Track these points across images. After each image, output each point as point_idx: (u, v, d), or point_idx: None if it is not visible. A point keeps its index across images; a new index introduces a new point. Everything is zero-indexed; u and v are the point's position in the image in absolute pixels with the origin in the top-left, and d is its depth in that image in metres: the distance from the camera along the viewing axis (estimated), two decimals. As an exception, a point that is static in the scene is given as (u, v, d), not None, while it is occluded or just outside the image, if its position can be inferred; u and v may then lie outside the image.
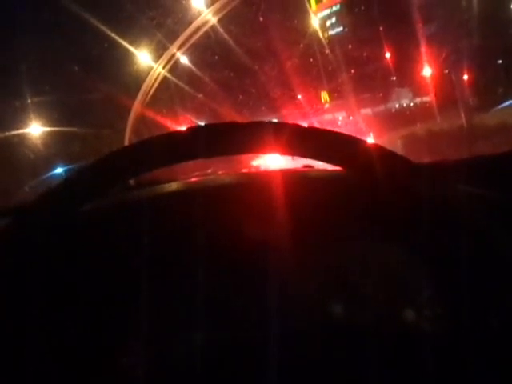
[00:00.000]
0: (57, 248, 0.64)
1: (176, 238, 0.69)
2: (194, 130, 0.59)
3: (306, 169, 0.86)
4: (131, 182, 0.92)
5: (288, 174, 0.84)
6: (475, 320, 0.57)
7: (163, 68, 3.47)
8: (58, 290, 0.68)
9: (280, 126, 0.58)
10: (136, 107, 2.89)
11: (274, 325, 0.66)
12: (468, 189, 0.76)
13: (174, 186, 0.85)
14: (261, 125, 0.57)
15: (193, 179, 0.93)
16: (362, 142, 0.58)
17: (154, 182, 0.89)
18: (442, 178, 0.61)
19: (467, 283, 0.56)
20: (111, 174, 0.60)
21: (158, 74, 3.42)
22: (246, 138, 0.58)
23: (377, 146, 0.58)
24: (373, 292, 0.67)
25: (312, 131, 0.60)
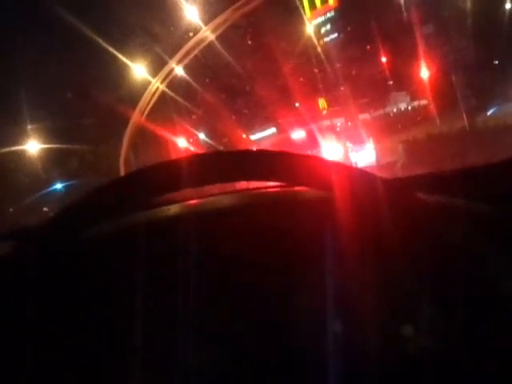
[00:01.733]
0: (56, 273, 0.64)
1: (175, 262, 0.68)
2: (188, 160, 0.60)
3: (283, 189, 0.84)
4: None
5: (275, 195, 0.84)
6: (473, 335, 0.57)
7: (161, 83, 3.44)
8: (58, 315, 0.68)
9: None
10: (134, 122, 2.85)
11: (269, 348, 0.67)
12: (447, 201, 0.76)
13: (172, 209, 0.84)
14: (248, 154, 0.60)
15: (193, 201, 0.91)
16: (328, 163, 0.60)
17: (153, 205, 0.85)
18: (413, 191, 0.63)
19: (459, 298, 0.57)
20: (115, 200, 0.60)
21: (157, 89, 3.39)
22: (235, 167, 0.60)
23: (344, 166, 0.59)
24: (370, 310, 0.66)
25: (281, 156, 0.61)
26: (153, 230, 0.77)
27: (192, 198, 0.90)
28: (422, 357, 0.63)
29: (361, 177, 0.59)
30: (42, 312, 0.62)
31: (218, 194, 0.91)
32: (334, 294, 0.67)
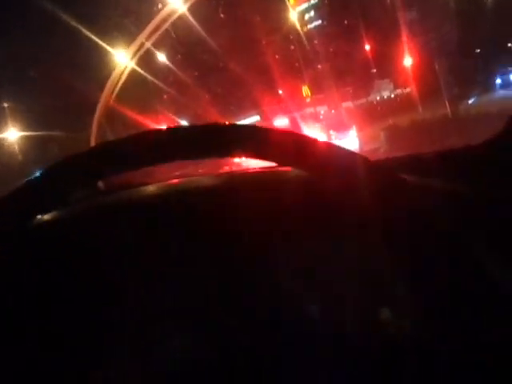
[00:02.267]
0: (11, 256, 0.61)
1: (149, 245, 0.67)
2: (162, 133, 0.57)
3: (270, 169, 0.82)
4: (102, 186, 0.87)
5: (257, 175, 0.84)
6: (450, 321, 0.57)
7: (131, 59, 3.30)
8: (19, 301, 0.65)
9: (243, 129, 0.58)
10: (102, 102, 2.74)
11: (250, 333, 0.67)
12: (430, 183, 0.77)
13: (150, 188, 0.83)
14: (232, 128, 0.58)
15: (167, 182, 0.89)
16: (314, 142, 0.58)
17: (126, 186, 0.84)
18: (398, 173, 0.62)
19: (439, 281, 0.56)
20: (69, 179, 0.57)
21: (125, 68, 3.25)
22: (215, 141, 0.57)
23: (331, 145, 0.58)
24: (346, 291, 0.66)
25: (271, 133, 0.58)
26: (126, 209, 0.75)
27: (172, 179, 0.88)
28: (402, 341, 0.63)
29: (344, 155, 0.57)
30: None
31: (200, 175, 0.90)
32: (316, 278, 0.66)
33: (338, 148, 0.57)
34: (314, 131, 8.07)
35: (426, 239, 0.56)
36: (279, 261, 0.68)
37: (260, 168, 0.85)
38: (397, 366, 0.61)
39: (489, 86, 8.85)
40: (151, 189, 0.82)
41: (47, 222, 0.68)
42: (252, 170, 0.86)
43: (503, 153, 0.84)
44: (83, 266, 0.68)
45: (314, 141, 0.57)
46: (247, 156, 0.59)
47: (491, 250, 0.60)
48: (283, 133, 0.57)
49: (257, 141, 0.57)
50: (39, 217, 0.66)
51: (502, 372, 0.53)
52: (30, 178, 0.56)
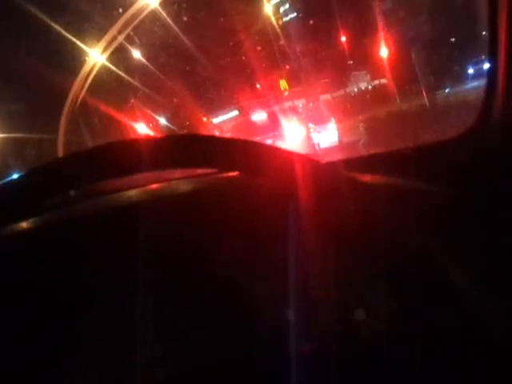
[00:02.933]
0: None
1: (131, 248, 0.66)
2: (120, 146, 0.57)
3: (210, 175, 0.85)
4: (73, 193, 0.85)
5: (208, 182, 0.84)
6: (423, 318, 0.59)
7: (102, 54, 3.23)
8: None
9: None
10: (70, 101, 2.68)
11: (227, 334, 0.68)
12: (386, 180, 0.79)
13: (130, 194, 0.84)
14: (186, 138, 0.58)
15: (152, 186, 0.89)
16: (261, 147, 0.59)
17: (97, 193, 0.84)
18: (343, 172, 0.64)
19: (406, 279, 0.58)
20: (40, 188, 0.57)
21: (96, 62, 3.18)
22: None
23: (278, 150, 0.58)
24: (324, 293, 0.68)
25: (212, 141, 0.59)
26: (109, 215, 0.75)
27: (149, 183, 0.88)
28: (375, 339, 0.65)
29: (290, 159, 0.57)
30: None
31: (175, 179, 0.89)
32: (289, 281, 0.67)
33: (282, 151, 0.58)
34: (292, 124, 8.05)
35: (376, 238, 0.57)
36: (256, 266, 0.70)
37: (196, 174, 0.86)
38: (372, 363, 0.63)
39: (464, 76, 8.93)
40: (124, 196, 0.81)
41: (17, 230, 0.68)
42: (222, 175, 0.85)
43: (472, 149, 0.88)
44: (51, 278, 0.67)
45: (259, 145, 0.58)
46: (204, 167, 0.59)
47: (446, 249, 0.60)
48: (228, 140, 0.58)
49: (219, 152, 0.57)
50: (9, 225, 0.65)
51: (474, 369, 0.55)
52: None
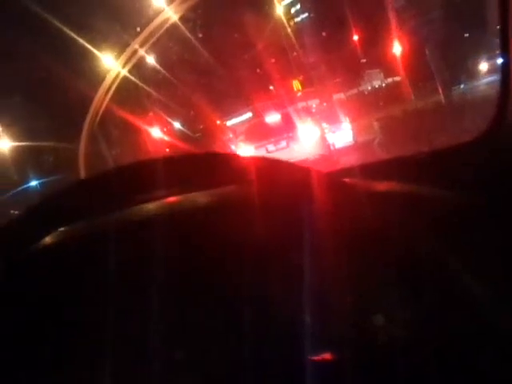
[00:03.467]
0: (17, 276, 0.64)
1: (150, 262, 0.68)
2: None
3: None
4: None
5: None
6: (440, 324, 0.59)
7: (123, 67, 3.28)
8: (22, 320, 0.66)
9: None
10: (93, 111, 2.72)
11: (243, 341, 0.69)
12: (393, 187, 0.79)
13: (148, 207, 0.83)
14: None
15: (169, 199, 0.88)
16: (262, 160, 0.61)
17: (120, 206, 0.82)
18: (343, 180, 0.66)
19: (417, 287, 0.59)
20: (77, 204, 0.61)
21: (118, 74, 3.23)
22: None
23: (291, 165, 0.61)
24: (339, 299, 0.68)
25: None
26: (126, 229, 0.76)
27: (167, 196, 0.87)
28: (392, 345, 0.64)
29: (302, 173, 0.59)
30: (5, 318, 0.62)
31: (191, 192, 0.88)
32: (304, 289, 0.67)
33: (284, 163, 0.61)
34: (306, 125, 8.01)
35: (391, 244, 0.58)
36: (272, 273, 0.70)
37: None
38: (388, 369, 0.62)
39: (480, 71, 8.82)
40: (143, 210, 0.82)
41: (39, 245, 0.68)
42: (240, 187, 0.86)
43: (487, 153, 0.86)
44: (70, 289, 0.68)
45: (272, 161, 0.61)
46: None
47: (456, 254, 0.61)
48: (242, 158, 0.61)
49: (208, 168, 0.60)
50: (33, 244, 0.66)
51: (489, 375, 0.55)
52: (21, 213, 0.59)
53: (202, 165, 0.61)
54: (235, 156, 0.62)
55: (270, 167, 0.62)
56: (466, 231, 0.68)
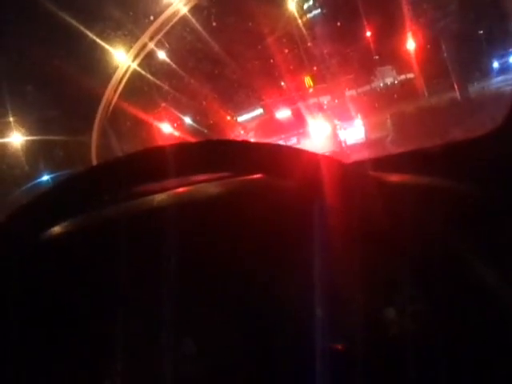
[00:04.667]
0: (24, 268, 0.62)
1: (160, 253, 0.68)
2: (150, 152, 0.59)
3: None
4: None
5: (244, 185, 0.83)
6: (453, 319, 0.59)
7: (133, 60, 3.27)
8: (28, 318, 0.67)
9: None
10: (105, 104, 2.71)
11: (256, 335, 0.70)
12: (416, 180, 0.78)
13: (158, 198, 0.84)
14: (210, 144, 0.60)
15: (179, 190, 0.89)
16: (284, 149, 0.60)
17: (123, 198, 0.84)
18: (369, 172, 0.65)
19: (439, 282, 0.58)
20: (86, 192, 0.60)
21: (128, 68, 3.22)
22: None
23: (301, 151, 0.60)
24: (351, 292, 0.68)
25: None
26: (136, 220, 0.77)
27: (177, 187, 0.89)
28: (403, 338, 0.65)
29: (314, 160, 0.58)
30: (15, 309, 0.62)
31: (202, 182, 0.90)
32: (316, 282, 0.67)
33: (306, 152, 0.59)
34: (318, 121, 7.97)
35: (403, 237, 0.57)
36: (283, 266, 0.70)
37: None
38: (399, 362, 0.62)
39: (491, 70, 8.71)
40: (151, 200, 0.82)
41: (47, 235, 0.68)
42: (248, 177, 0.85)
43: (501, 147, 0.85)
44: (79, 281, 0.69)
45: (283, 147, 0.60)
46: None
47: (478, 249, 0.60)
48: (250, 144, 0.60)
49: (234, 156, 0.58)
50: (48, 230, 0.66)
51: (498, 372, 0.55)
52: (38, 193, 0.59)
53: (213, 152, 0.59)
54: (248, 143, 0.61)
55: (286, 155, 0.59)
56: (479, 225, 0.67)
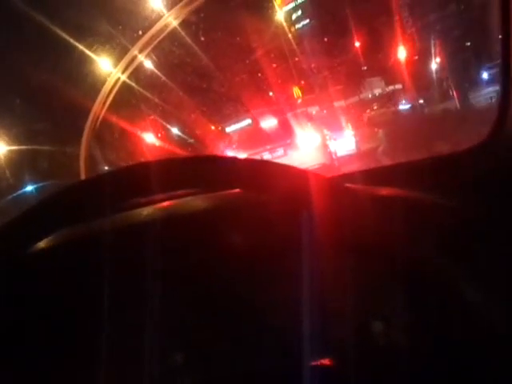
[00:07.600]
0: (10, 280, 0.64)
1: (145, 266, 0.68)
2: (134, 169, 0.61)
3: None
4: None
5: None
6: (441, 331, 0.60)
7: (122, 73, 3.26)
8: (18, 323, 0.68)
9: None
10: (93, 117, 2.70)
11: (243, 346, 0.70)
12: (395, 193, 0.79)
13: (143, 212, 0.85)
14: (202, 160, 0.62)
15: (164, 203, 0.90)
16: (264, 164, 0.62)
17: (123, 208, 0.85)
18: (346, 185, 0.65)
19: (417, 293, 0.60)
20: (73, 207, 0.61)
21: (117, 80, 3.21)
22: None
23: (286, 167, 0.61)
24: (340, 305, 0.68)
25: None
26: (123, 233, 0.77)
27: (162, 200, 0.89)
28: (392, 350, 0.65)
29: (299, 176, 0.59)
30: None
31: (187, 195, 0.90)
32: (304, 295, 0.67)
33: (291, 168, 0.60)
34: (306, 132, 7.90)
35: (392, 250, 0.59)
36: (271, 278, 0.70)
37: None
38: (389, 375, 0.63)
39: (479, 81, 8.78)
40: (137, 214, 0.83)
41: (35, 249, 0.68)
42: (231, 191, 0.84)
43: (487, 161, 0.87)
44: (66, 293, 0.70)
45: (266, 163, 0.61)
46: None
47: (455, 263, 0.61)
48: (233, 160, 0.62)
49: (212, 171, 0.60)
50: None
51: (488, 379, 0.56)
52: (29, 208, 0.59)
53: (199, 168, 0.61)
54: (233, 159, 0.63)
55: (269, 171, 0.61)
56: (466, 240, 0.67)
